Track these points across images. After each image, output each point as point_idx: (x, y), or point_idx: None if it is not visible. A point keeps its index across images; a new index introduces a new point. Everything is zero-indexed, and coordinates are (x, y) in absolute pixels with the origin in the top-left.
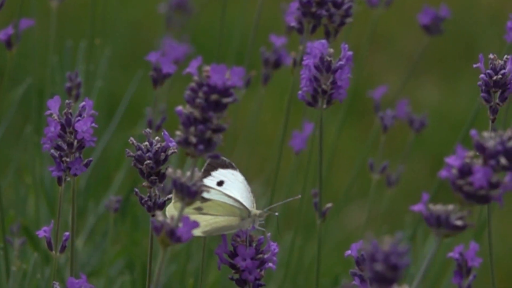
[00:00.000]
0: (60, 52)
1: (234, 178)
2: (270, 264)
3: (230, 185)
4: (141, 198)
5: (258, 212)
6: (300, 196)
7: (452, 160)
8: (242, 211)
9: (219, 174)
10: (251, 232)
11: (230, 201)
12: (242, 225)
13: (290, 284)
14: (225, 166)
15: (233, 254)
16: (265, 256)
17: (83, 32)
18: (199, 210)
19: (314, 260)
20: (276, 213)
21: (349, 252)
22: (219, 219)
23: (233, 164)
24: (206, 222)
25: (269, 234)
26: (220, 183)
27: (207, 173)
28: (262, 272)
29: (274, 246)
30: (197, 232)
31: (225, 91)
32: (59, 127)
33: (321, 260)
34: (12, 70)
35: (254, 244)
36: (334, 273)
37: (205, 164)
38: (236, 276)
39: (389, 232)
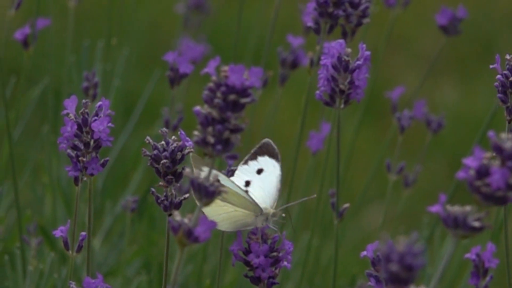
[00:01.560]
0: (77, 52)
1: (272, 171)
2: (285, 263)
3: (265, 177)
4: (158, 198)
5: (272, 210)
6: (315, 195)
7: (470, 161)
8: (254, 206)
9: (264, 161)
10: (266, 230)
11: (242, 193)
12: (256, 222)
13: (307, 284)
14: (272, 155)
15: (247, 251)
16: (280, 254)
17: (100, 31)
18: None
19: (331, 260)
20: (283, 215)
21: (364, 253)
22: (237, 212)
23: (279, 156)
24: (226, 213)
25: (284, 233)
26: (260, 171)
27: (254, 156)
28: (277, 271)
29: (289, 244)
30: (218, 225)
31: (243, 91)
32: (75, 127)
33: (338, 261)
34: (29, 70)
35: (268, 242)
36: (351, 273)
37: (256, 147)
38: (251, 273)
39: (406, 233)
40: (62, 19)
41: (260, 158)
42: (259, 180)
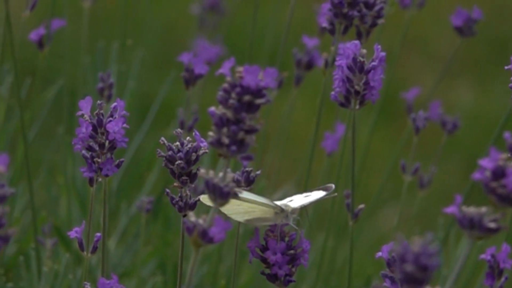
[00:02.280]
0: (92, 53)
1: (315, 194)
2: (302, 261)
3: (306, 196)
4: (172, 199)
5: (291, 208)
6: (336, 194)
7: (486, 163)
8: (271, 205)
9: (316, 192)
10: (284, 228)
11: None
12: (275, 219)
13: (322, 285)
14: (325, 190)
15: (264, 248)
16: (297, 252)
17: (115, 32)
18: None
19: (346, 261)
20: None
21: (380, 253)
22: (256, 208)
23: (329, 190)
24: (244, 209)
25: (302, 231)
26: (307, 196)
27: (312, 190)
28: (294, 269)
29: (306, 243)
30: (238, 217)
31: (258, 92)
32: (90, 128)
33: (354, 261)
34: (44, 70)
35: (286, 240)
36: (366, 274)
37: (322, 186)
38: (267, 271)
39: (421, 234)
40: (77, 20)
41: (314, 192)
42: (300, 197)
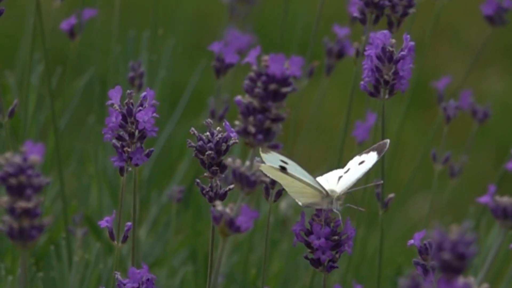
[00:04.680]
0: (123, 42)
1: (368, 163)
2: (346, 247)
3: (360, 167)
4: (203, 189)
5: (337, 194)
6: (382, 181)
7: None
8: (317, 188)
9: (370, 156)
10: (331, 214)
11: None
12: (322, 203)
13: (352, 274)
14: (378, 151)
15: (309, 232)
16: (341, 238)
17: (146, 21)
18: (283, 170)
19: (377, 250)
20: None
21: (411, 241)
22: (306, 189)
23: (382, 152)
24: (296, 188)
25: (348, 218)
26: (361, 163)
27: (368, 151)
28: (337, 255)
29: (351, 229)
30: (296, 197)
31: (284, 81)
32: (120, 117)
33: (384, 251)
34: (75, 60)
35: (331, 225)
36: (397, 263)
37: (376, 144)
38: (311, 255)
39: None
40: (108, 9)
41: (370, 153)
42: (354, 169)
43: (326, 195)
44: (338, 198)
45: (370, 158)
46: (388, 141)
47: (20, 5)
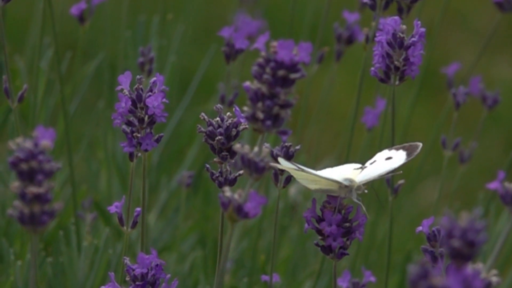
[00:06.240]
0: (132, 27)
1: (395, 161)
2: (357, 234)
3: (386, 163)
4: (212, 174)
5: (357, 184)
6: (401, 172)
7: None
8: (332, 181)
9: (399, 154)
10: (343, 201)
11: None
12: (339, 192)
13: (362, 260)
14: (408, 153)
15: (320, 219)
16: (353, 225)
17: (156, 6)
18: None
19: (386, 236)
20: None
21: (420, 228)
22: (322, 179)
23: (412, 156)
24: (312, 178)
25: (360, 204)
26: (388, 159)
27: (398, 148)
28: (349, 242)
29: (362, 217)
30: (308, 185)
31: (293, 67)
32: (129, 103)
33: (394, 237)
34: (85, 45)
35: (342, 212)
36: (406, 249)
37: (406, 144)
38: (322, 242)
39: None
40: None
41: (400, 151)
42: (380, 163)
43: (345, 186)
44: (358, 188)
45: (398, 157)
46: (420, 144)
47: None
